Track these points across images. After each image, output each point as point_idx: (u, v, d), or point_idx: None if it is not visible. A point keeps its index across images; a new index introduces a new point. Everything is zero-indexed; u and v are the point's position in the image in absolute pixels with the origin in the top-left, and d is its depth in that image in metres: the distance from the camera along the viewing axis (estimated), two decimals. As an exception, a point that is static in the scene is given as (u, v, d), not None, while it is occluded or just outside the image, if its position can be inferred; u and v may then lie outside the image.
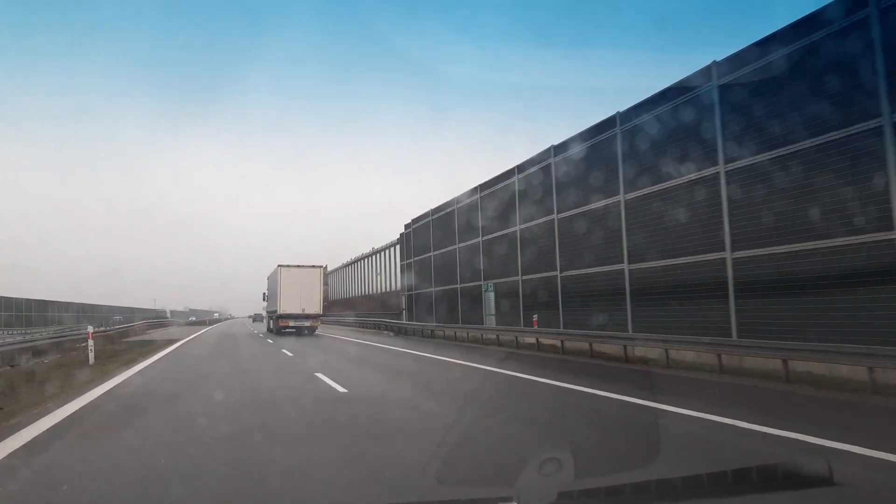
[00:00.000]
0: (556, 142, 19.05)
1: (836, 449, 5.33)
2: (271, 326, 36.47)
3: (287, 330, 31.87)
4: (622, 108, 15.72)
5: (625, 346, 13.89)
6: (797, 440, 5.71)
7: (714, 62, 12.72)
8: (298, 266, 33.06)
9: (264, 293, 41.26)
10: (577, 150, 17.69)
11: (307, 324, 31.97)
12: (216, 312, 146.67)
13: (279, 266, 33.05)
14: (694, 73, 13.32)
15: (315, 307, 32.36)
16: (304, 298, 31.79)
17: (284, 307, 31.88)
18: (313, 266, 33.70)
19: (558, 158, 18.73)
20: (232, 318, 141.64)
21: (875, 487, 4.45)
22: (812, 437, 5.71)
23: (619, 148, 15.67)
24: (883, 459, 4.97)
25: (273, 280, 34.82)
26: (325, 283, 40.96)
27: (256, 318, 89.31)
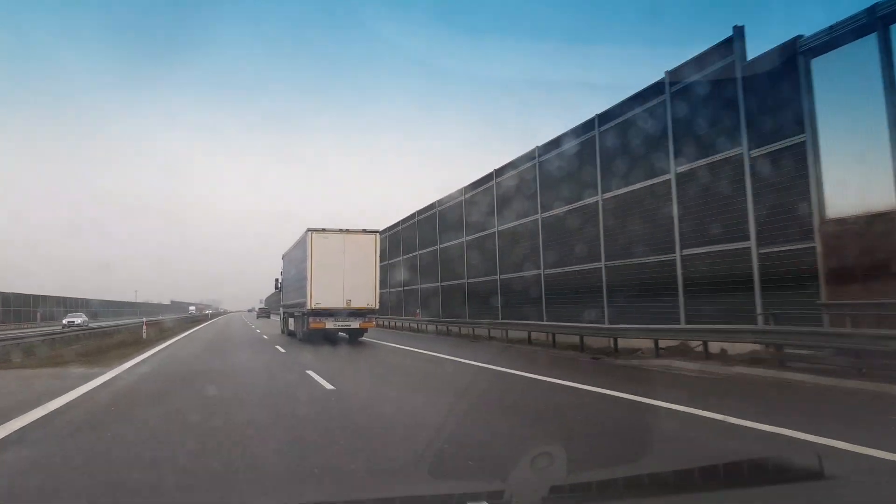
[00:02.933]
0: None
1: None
2: (292, 328, 24.70)
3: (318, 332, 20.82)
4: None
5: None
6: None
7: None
8: (341, 231, 20.63)
9: (277, 279, 29.64)
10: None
11: (355, 325, 20.72)
12: (192, 306, 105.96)
13: (309, 231, 20.52)
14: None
15: (368, 298, 20.64)
16: (350, 284, 20.27)
17: (318, 298, 20.15)
18: (364, 231, 20.94)
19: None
20: (225, 313, 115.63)
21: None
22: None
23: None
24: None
25: (298, 255, 22.45)
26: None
27: (261, 313, 69.63)
